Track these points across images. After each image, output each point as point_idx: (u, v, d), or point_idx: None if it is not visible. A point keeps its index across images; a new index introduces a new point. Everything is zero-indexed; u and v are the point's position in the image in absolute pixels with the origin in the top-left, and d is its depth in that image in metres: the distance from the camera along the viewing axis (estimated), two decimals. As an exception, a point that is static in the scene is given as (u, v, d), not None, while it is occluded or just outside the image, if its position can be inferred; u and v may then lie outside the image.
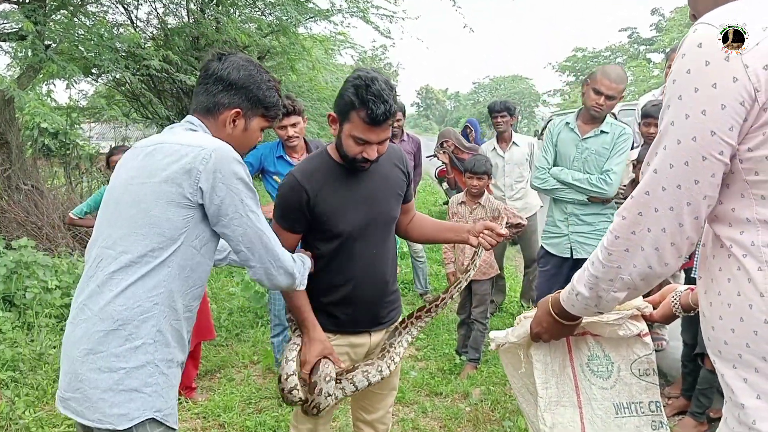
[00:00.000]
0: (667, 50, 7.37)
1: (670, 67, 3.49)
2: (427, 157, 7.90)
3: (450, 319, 5.39)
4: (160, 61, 6.76)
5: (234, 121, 1.87)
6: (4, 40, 6.84)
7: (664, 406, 1.85)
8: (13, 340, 4.32)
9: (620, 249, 1.24)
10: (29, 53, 6.30)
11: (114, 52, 6.82)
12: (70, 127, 9.83)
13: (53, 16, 6.87)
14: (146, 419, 1.69)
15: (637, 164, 3.93)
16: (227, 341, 5.02)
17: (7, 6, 6.51)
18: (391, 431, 2.63)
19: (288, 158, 3.81)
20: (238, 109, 1.86)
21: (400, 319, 2.38)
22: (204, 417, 3.71)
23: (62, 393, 1.73)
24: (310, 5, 8.50)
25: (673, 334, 4.56)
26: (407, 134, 5.75)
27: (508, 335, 1.83)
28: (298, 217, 2.13)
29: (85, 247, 6.73)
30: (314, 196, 2.11)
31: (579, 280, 1.40)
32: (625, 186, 3.96)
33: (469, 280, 2.49)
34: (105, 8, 8.08)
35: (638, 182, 1.22)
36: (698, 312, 1.42)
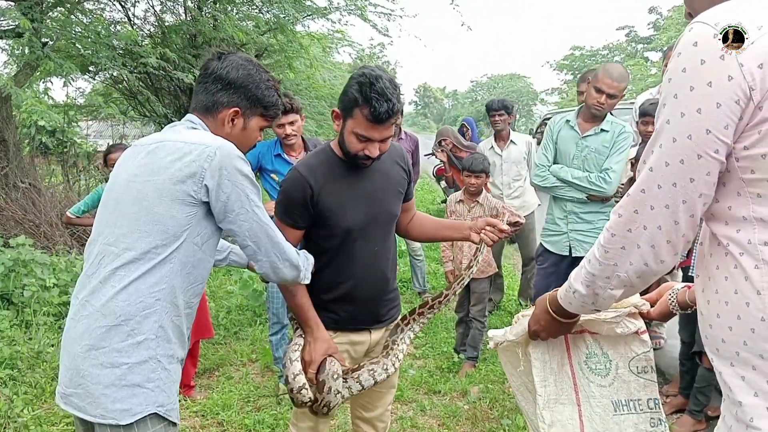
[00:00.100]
0: (665, 49, 7.37)
1: (667, 65, 3.51)
2: (425, 155, 7.91)
3: (448, 318, 5.40)
4: (157, 58, 6.74)
5: (233, 120, 1.88)
6: (1, 38, 6.83)
7: (662, 404, 1.86)
8: (11, 338, 4.31)
9: (616, 247, 1.24)
10: (26, 51, 6.29)
11: (111, 49, 6.80)
12: (67, 124, 9.82)
13: (50, 13, 6.85)
14: (149, 414, 1.69)
15: (635, 163, 3.94)
16: (226, 339, 5.02)
17: (3, 3, 6.50)
18: (390, 429, 2.63)
19: (286, 156, 3.80)
20: (236, 108, 1.87)
21: (401, 316, 2.38)
22: (202, 415, 3.72)
23: (63, 389, 1.73)
24: (308, 3, 8.49)
25: (671, 333, 4.57)
26: (405, 132, 5.74)
27: (507, 334, 1.83)
28: (301, 212, 2.13)
29: (83, 245, 6.72)
30: (318, 191, 2.12)
31: (576, 277, 1.41)
32: (623, 184, 3.96)
33: (471, 277, 2.50)
34: (102, 5, 8.07)
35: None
36: (695, 310, 1.43)
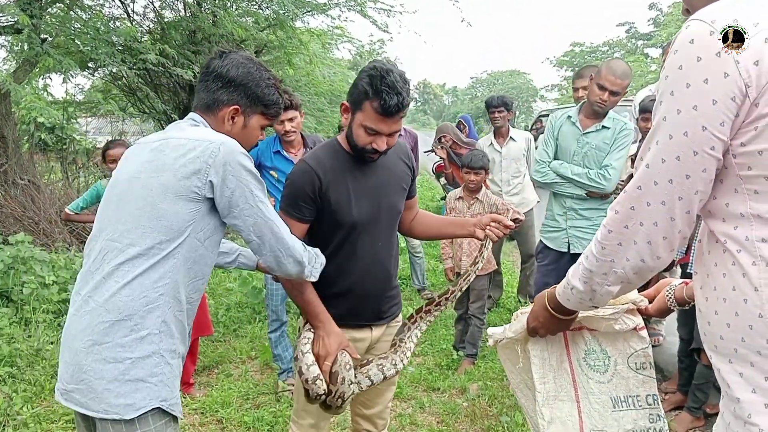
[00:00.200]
0: (664, 45, 7.37)
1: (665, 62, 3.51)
2: (425, 152, 7.89)
3: (447, 315, 5.40)
4: (156, 55, 6.73)
5: (233, 117, 1.90)
6: (0, 34, 6.80)
7: (661, 401, 1.86)
8: (11, 335, 4.31)
9: (613, 243, 1.25)
10: (25, 47, 6.26)
11: (110, 45, 6.78)
12: (66, 121, 9.80)
13: (49, 9, 6.83)
14: (152, 409, 1.70)
15: (635, 159, 3.92)
16: (225, 337, 5.02)
17: (2, -1, 6.48)
18: (389, 426, 2.63)
19: (285, 153, 3.80)
20: (236, 106, 1.88)
21: (408, 314, 2.38)
22: (202, 413, 3.72)
23: (64, 385, 1.73)
24: (308, -1, 8.48)
25: (670, 330, 4.57)
26: (404, 129, 5.74)
27: (506, 331, 1.83)
28: (308, 204, 2.12)
29: (82, 242, 6.73)
30: (326, 183, 2.12)
31: (574, 274, 1.42)
32: (623, 181, 3.95)
33: (477, 273, 2.50)
34: (101, 2, 8.04)
35: None
36: (693, 306, 1.43)
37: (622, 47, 40.72)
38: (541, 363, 1.80)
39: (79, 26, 6.93)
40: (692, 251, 3.45)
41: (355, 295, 2.24)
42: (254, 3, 8.59)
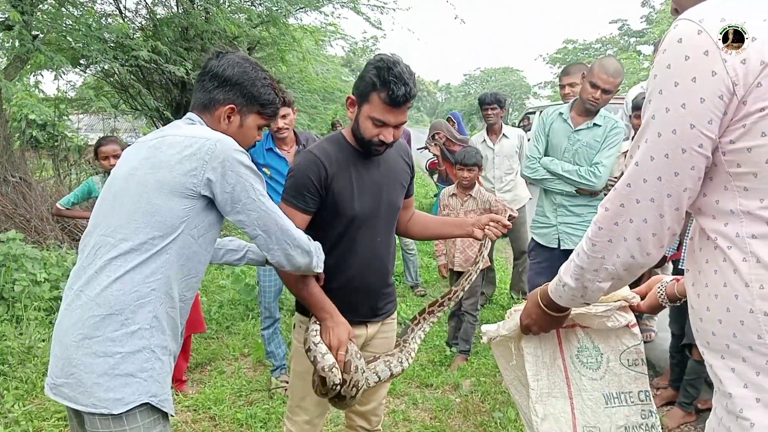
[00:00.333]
0: (657, 42, 7.38)
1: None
2: (419, 149, 7.90)
3: (440, 311, 5.39)
4: (148, 51, 6.71)
5: (229, 117, 1.90)
6: (-9, 30, 6.76)
7: (653, 397, 1.87)
8: (2, 333, 4.30)
9: (603, 240, 1.26)
10: (16, 43, 6.24)
11: (102, 42, 6.76)
12: (58, 118, 9.75)
13: (40, 5, 6.80)
14: (141, 404, 1.69)
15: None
16: (218, 334, 5.01)
17: (-7, -5, 6.43)
18: (382, 422, 2.63)
19: (278, 150, 3.79)
20: (232, 105, 1.89)
21: (411, 316, 2.39)
22: (194, 410, 3.71)
23: (54, 379, 1.73)
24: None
25: (662, 326, 4.59)
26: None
27: (499, 328, 1.84)
28: (313, 194, 2.12)
29: (74, 239, 6.70)
30: (332, 174, 2.13)
31: (566, 271, 1.43)
32: (616, 178, 3.96)
33: (478, 272, 2.53)
34: (93, -2, 8.01)
35: None
36: (684, 302, 1.44)
37: (614, 44, 40.83)
38: (534, 360, 1.81)
39: (71, 23, 6.90)
40: (684, 247, 3.47)
41: (353, 290, 2.24)
42: (247, 0, 8.58)
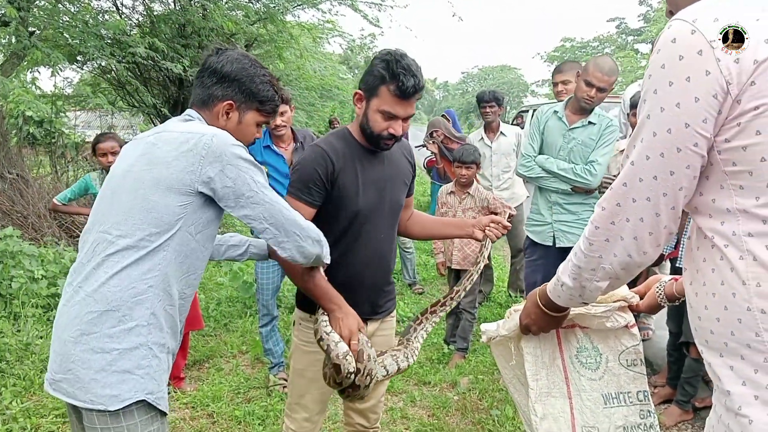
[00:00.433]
0: (654, 40, 7.38)
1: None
2: (416, 147, 7.88)
3: (438, 309, 5.40)
4: (146, 48, 6.68)
5: (227, 113, 1.90)
6: (-13, 27, 6.74)
7: (651, 396, 1.88)
8: (0, 330, 4.29)
9: (600, 239, 1.27)
10: (13, 40, 6.21)
11: (99, 39, 6.73)
12: (55, 115, 9.72)
13: (37, 1, 6.77)
14: (137, 401, 1.69)
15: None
16: (216, 331, 5.01)
17: (-11, -8, 6.41)
18: (380, 420, 2.63)
19: (275, 148, 3.79)
20: (230, 101, 1.88)
21: (413, 317, 2.39)
22: (192, 407, 3.71)
23: (53, 375, 1.73)
24: (298, -8, 8.45)
25: (659, 324, 4.61)
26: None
27: (499, 329, 1.84)
28: (319, 187, 2.12)
29: (71, 236, 6.69)
30: (338, 168, 2.13)
31: (563, 270, 1.43)
32: (614, 176, 3.96)
33: (479, 272, 2.54)
34: (90, -6, 7.98)
35: None
36: (683, 302, 1.45)
37: (612, 43, 40.86)
38: (534, 360, 1.81)
39: (68, 19, 6.86)
40: (681, 246, 3.47)
41: (355, 286, 2.24)
42: (245, -4, 8.55)
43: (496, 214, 2.69)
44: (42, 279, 5.00)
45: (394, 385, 3.95)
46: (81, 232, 1.85)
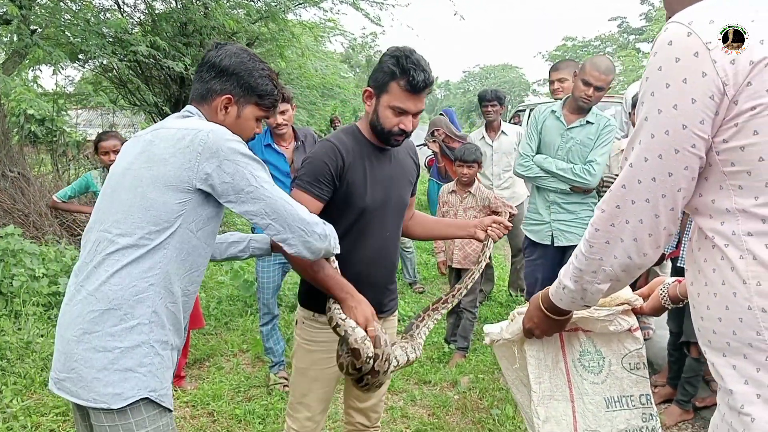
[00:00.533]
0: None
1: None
2: (418, 146, 7.87)
3: (439, 308, 5.40)
4: (147, 47, 6.68)
5: (226, 107, 1.88)
6: (-11, 25, 6.74)
7: (652, 398, 1.89)
8: (0, 328, 4.29)
9: (601, 241, 1.28)
10: (14, 38, 6.21)
11: (101, 37, 6.73)
12: (56, 113, 9.72)
13: (38, 0, 6.77)
14: (140, 399, 1.69)
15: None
16: (216, 330, 5.02)
17: (-10, -10, 6.41)
18: (380, 419, 2.63)
19: (276, 147, 3.79)
20: (229, 96, 1.87)
21: (415, 315, 2.39)
22: (193, 405, 3.72)
23: (56, 374, 1.73)
24: (300, -9, 8.45)
25: (660, 323, 4.60)
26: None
27: (503, 332, 1.85)
28: (328, 182, 2.12)
29: (72, 235, 6.69)
30: (348, 163, 2.14)
31: (565, 273, 1.44)
32: (616, 176, 3.96)
33: (480, 271, 2.55)
34: (91, -8, 7.98)
35: None
36: (686, 303, 1.45)
37: (614, 42, 40.76)
38: (537, 363, 1.82)
39: (69, 17, 6.86)
40: (683, 245, 3.47)
41: (361, 283, 2.20)
42: (246, -5, 8.55)
43: (497, 213, 2.70)
44: (43, 277, 5.00)
45: (394, 384, 3.95)
46: (82, 230, 1.85)
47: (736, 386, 1.13)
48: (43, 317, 4.67)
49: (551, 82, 4.62)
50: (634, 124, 4.64)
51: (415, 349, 2.24)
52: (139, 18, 8.46)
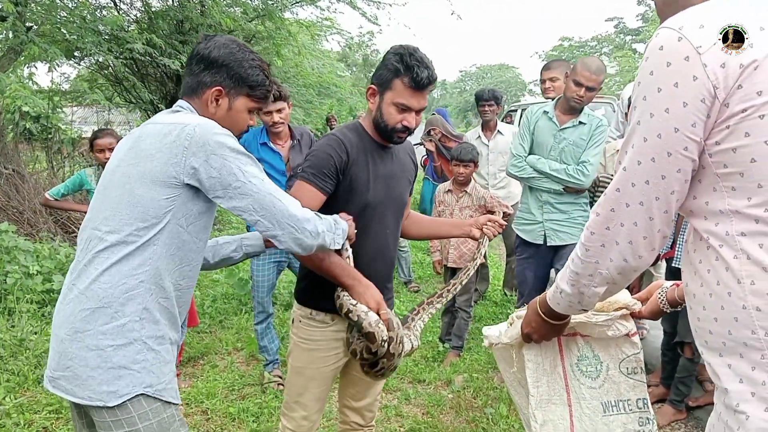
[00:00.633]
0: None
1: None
2: (414, 145, 7.88)
3: (434, 307, 5.40)
4: (143, 44, 6.67)
5: (216, 99, 1.85)
6: (-16, 21, 6.71)
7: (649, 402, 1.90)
8: (-6, 325, 4.28)
9: (596, 245, 1.29)
10: (10, 35, 6.19)
11: (97, 34, 6.72)
12: (52, 110, 9.68)
13: (34, -4, 6.75)
14: (137, 395, 1.68)
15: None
16: (211, 328, 5.01)
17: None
18: (375, 418, 2.63)
19: (272, 145, 3.78)
20: (219, 88, 1.84)
21: (411, 308, 2.39)
22: (187, 403, 3.71)
23: (51, 372, 1.73)
24: (297, -11, 8.44)
25: (654, 323, 4.62)
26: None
27: (501, 336, 1.85)
28: (332, 175, 2.12)
29: (67, 232, 6.67)
30: (352, 158, 2.15)
31: (562, 277, 1.45)
32: (612, 175, 3.96)
33: (476, 267, 2.58)
34: (88, -10, 7.96)
35: None
36: (684, 306, 1.46)
37: (610, 42, 40.83)
38: (535, 367, 1.82)
39: (65, 14, 6.86)
40: (678, 246, 3.48)
41: None
42: (243, -7, 8.54)
43: (492, 212, 2.71)
44: (37, 275, 4.99)
45: (388, 382, 3.95)
46: (77, 227, 1.85)
47: (731, 385, 1.14)
48: (37, 314, 4.66)
49: (543, 81, 4.65)
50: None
51: (417, 337, 2.25)
52: (135, 15, 8.45)
